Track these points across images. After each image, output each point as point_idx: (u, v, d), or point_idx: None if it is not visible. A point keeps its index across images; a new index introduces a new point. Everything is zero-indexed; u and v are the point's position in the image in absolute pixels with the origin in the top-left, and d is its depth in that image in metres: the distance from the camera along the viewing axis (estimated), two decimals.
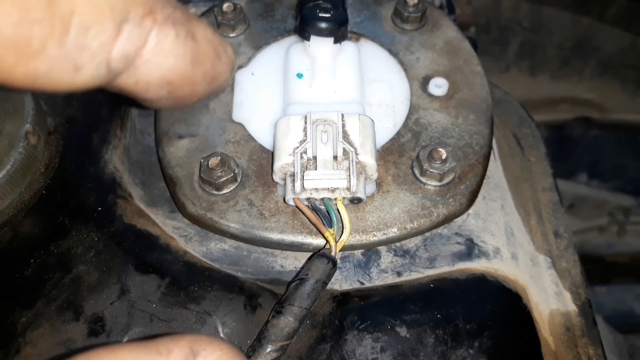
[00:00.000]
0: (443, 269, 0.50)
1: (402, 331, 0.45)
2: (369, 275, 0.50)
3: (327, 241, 0.47)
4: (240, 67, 0.58)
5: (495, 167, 0.60)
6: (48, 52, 0.21)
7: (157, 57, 0.24)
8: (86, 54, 0.22)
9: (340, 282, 0.50)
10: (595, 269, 1.24)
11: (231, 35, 0.60)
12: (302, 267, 0.47)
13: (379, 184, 0.51)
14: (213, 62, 0.28)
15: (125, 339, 0.44)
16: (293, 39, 0.59)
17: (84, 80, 0.23)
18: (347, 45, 0.56)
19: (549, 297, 0.57)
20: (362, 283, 0.50)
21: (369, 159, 0.48)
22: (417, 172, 0.51)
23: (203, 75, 0.27)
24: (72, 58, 0.22)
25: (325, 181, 0.47)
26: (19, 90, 0.22)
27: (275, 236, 0.49)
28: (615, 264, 1.33)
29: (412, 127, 0.54)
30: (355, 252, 0.52)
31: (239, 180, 0.51)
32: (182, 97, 0.27)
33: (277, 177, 0.49)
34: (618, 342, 1.19)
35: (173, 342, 0.25)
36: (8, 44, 0.20)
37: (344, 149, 0.48)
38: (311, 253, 0.49)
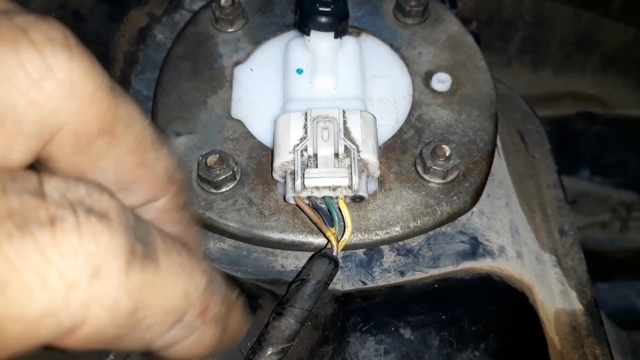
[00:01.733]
0: (447, 268, 0.49)
1: (406, 333, 0.44)
2: (372, 275, 0.49)
3: (329, 240, 0.46)
4: (239, 62, 0.57)
5: (499, 164, 0.58)
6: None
7: (190, 348, 0.26)
8: (135, 343, 0.23)
9: (342, 282, 0.49)
10: (598, 265, 1.23)
11: (229, 30, 0.58)
12: (303, 267, 0.46)
13: (381, 181, 0.50)
14: (234, 340, 0.30)
15: None
16: (293, 34, 0.58)
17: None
18: (348, 40, 0.55)
19: (555, 296, 0.56)
20: (364, 283, 0.49)
21: (371, 157, 0.47)
22: (420, 169, 0.50)
23: (224, 347, 0.30)
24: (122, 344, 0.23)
25: (327, 179, 0.45)
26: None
27: (275, 235, 0.48)
28: (618, 260, 1.32)
29: (414, 124, 0.53)
30: (358, 251, 0.51)
31: (238, 178, 0.50)
32: None
33: (277, 175, 0.48)
34: (620, 338, 1.18)
35: None
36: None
37: (345, 146, 0.46)
38: (312, 252, 0.48)
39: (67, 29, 0.24)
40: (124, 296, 0.20)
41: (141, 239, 0.22)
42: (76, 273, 0.19)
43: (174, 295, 0.23)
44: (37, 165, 0.25)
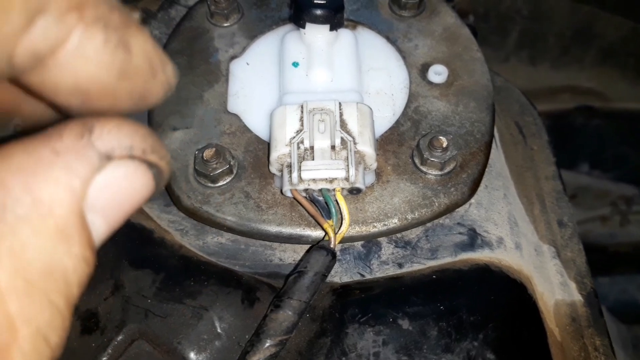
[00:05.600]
0: (445, 259, 0.49)
1: (405, 324, 0.43)
2: (370, 267, 0.49)
3: (326, 233, 0.46)
4: (235, 57, 0.57)
5: (497, 155, 0.58)
6: None
7: (74, 61, 0.21)
8: None
9: (341, 275, 0.49)
10: (598, 259, 1.22)
11: (225, 24, 0.58)
12: (301, 260, 0.46)
13: (378, 174, 0.50)
14: (145, 81, 0.24)
15: (120, 336, 0.43)
16: (288, 27, 0.58)
17: None
18: (344, 33, 0.54)
19: (554, 288, 0.56)
20: (362, 275, 0.49)
21: (367, 149, 0.47)
22: (417, 161, 0.50)
23: (129, 92, 0.23)
24: None
25: (323, 171, 0.45)
26: None
27: (273, 229, 0.48)
28: (618, 254, 1.32)
29: (411, 116, 0.53)
30: (356, 243, 0.51)
31: (234, 172, 0.50)
32: (98, 109, 0.23)
33: (273, 169, 0.48)
34: (621, 332, 1.18)
35: (62, 124, 0.20)
36: None
37: (341, 138, 0.46)
38: (310, 245, 0.48)
39: None
40: None
41: None
42: None
43: None
44: None
